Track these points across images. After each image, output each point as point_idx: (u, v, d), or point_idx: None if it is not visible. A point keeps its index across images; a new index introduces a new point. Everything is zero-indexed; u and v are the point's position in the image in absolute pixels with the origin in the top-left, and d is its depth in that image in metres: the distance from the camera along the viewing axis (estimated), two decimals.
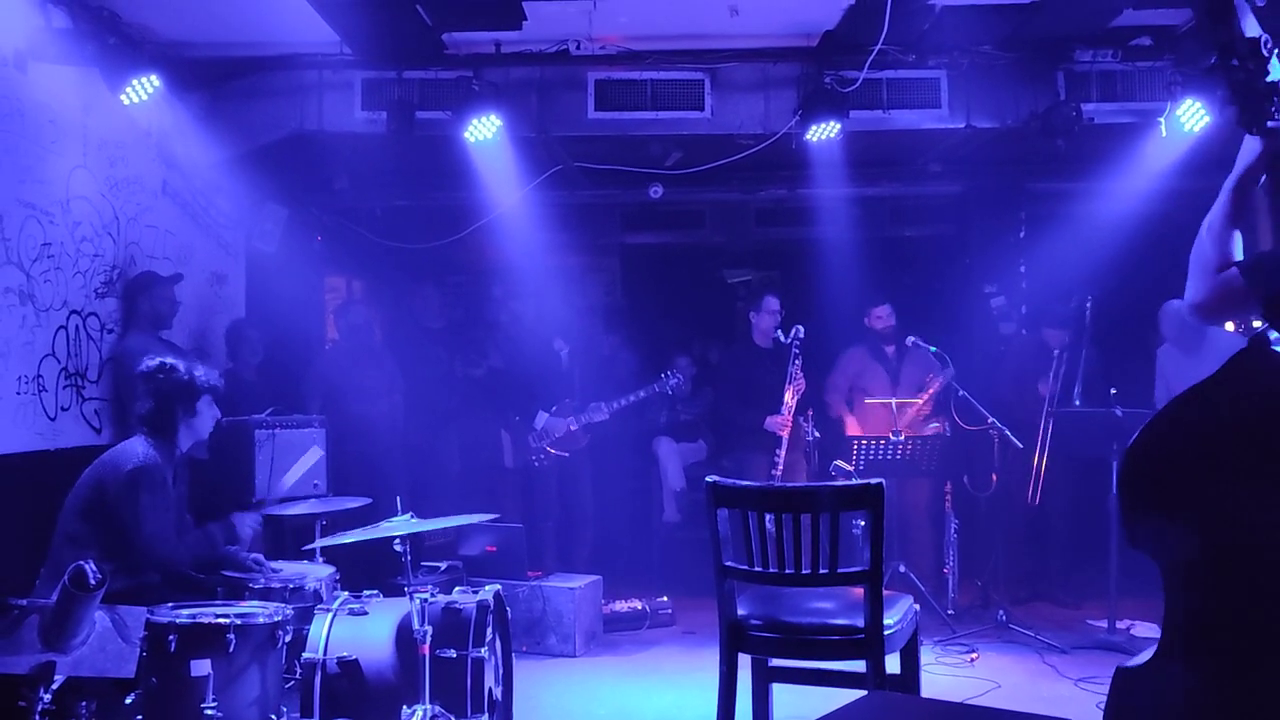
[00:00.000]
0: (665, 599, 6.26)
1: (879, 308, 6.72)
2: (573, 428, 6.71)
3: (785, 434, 6.17)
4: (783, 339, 6.21)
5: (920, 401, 6.38)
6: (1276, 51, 1.98)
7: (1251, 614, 1.91)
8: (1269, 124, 1.96)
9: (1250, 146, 2.05)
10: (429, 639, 3.55)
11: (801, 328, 6.20)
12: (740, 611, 3.37)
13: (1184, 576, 1.99)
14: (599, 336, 7.59)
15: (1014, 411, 6.22)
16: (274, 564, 4.28)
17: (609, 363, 7.42)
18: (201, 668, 3.18)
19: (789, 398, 6.19)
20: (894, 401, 6.34)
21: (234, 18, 5.51)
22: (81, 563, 3.01)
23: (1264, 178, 2.03)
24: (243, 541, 4.15)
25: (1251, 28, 2.01)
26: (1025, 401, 6.34)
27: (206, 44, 5.83)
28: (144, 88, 5.21)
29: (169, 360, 4.06)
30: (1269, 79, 1.97)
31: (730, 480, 3.40)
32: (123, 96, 5.18)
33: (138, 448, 3.91)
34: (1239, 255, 2.03)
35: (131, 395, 4.19)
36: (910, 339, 6.43)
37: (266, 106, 6.24)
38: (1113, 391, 5.56)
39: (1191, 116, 5.60)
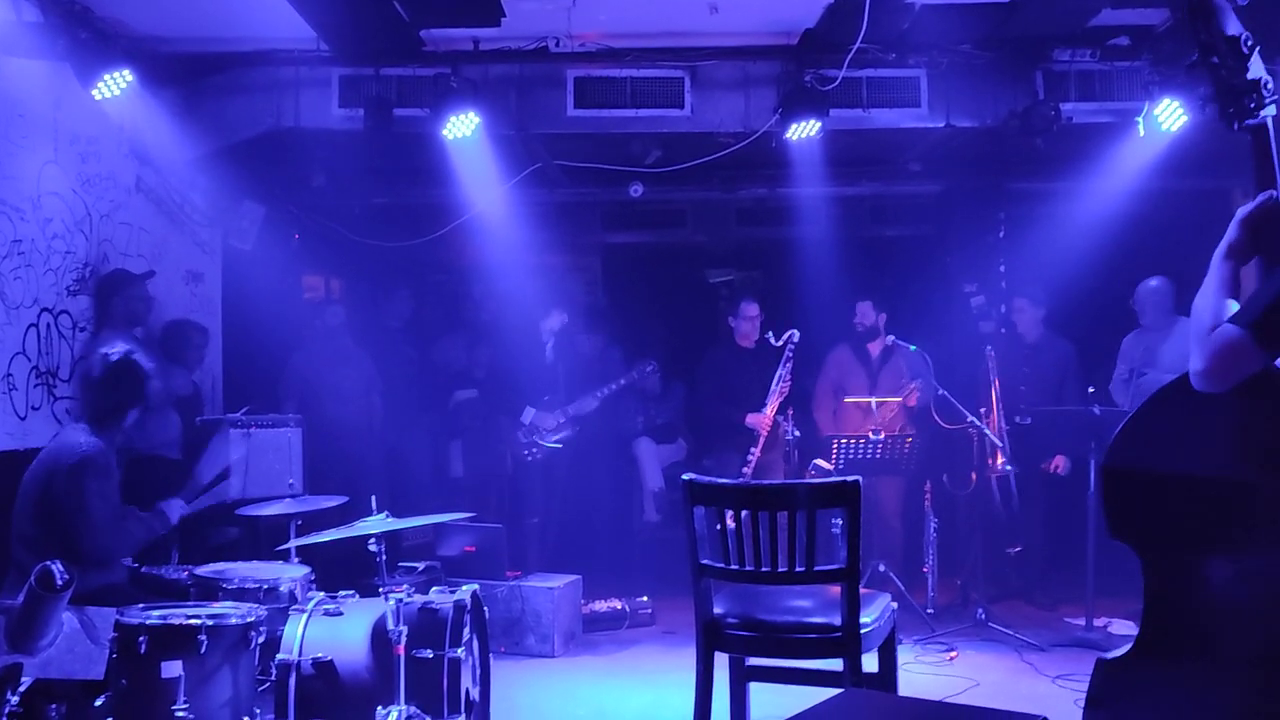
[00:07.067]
0: (645, 599, 6.24)
1: (859, 304, 6.74)
2: (561, 420, 6.74)
3: (764, 432, 6.17)
4: (773, 341, 6.23)
5: (895, 402, 6.36)
6: (1256, 49, 1.99)
7: (1229, 605, 1.92)
8: (1248, 120, 1.96)
9: (1239, 215, 2.00)
10: (404, 639, 3.52)
11: (796, 332, 6.22)
12: (717, 610, 3.34)
13: (1164, 567, 2.00)
14: (581, 336, 7.56)
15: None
16: (245, 564, 4.25)
17: (592, 362, 7.38)
18: (172, 669, 3.14)
19: (774, 398, 6.19)
20: (872, 400, 6.33)
21: (209, 13, 5.46)
22: (49, 563, 2.96)
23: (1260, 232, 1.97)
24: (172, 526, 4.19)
25: (1232, 25, 2.01)
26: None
27: (181, 39, 5.77)
28: (116, 83, 5.14)
29: (130, 350, 4.15)
30: (1249, 76, 1.97)
31: (706, 478, 3.37)
32: (94, 91, 5.11)
33: (80, 437, 3.92)
34: None
35: (87, 385, 4.19)
36: (889, 337, 6.44)
37: (243, 103, 6.17)
38: (1090, 390, 5.57)
39: (1169, 116, 5.63)
